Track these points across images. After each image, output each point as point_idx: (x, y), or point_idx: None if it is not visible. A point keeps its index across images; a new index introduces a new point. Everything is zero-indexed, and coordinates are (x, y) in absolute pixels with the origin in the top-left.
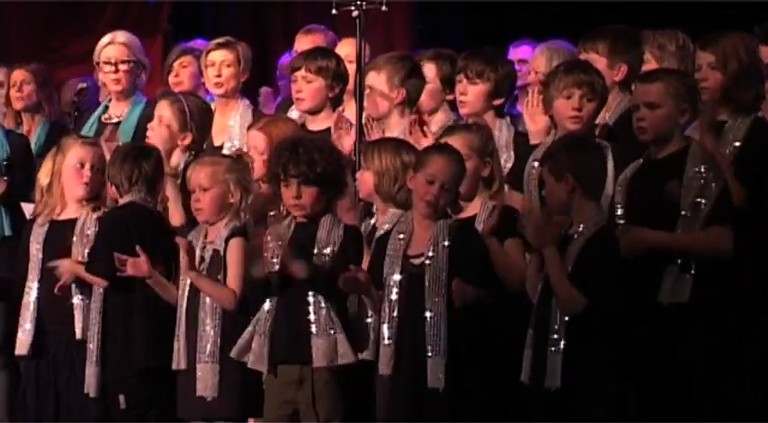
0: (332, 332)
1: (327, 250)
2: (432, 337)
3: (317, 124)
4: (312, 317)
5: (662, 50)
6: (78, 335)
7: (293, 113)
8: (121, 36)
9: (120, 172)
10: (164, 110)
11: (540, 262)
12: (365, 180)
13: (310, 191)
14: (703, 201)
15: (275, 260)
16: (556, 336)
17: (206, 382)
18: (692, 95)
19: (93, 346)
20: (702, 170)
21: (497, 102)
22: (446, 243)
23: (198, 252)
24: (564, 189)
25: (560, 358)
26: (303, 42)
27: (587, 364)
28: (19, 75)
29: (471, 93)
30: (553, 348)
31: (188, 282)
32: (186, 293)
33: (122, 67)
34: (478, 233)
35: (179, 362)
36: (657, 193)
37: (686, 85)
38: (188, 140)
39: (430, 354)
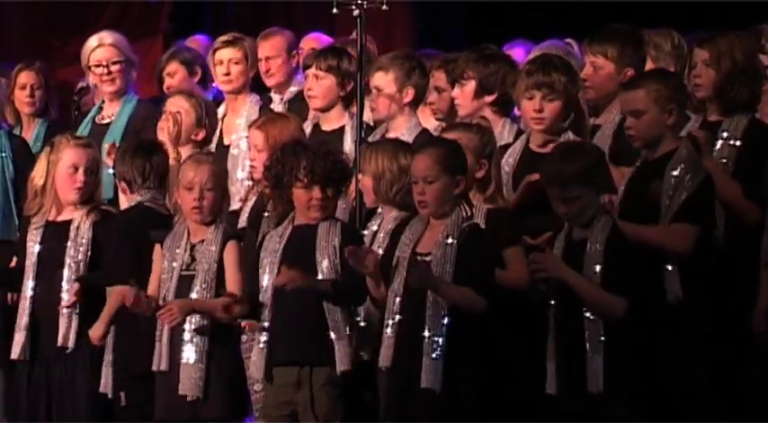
0: (350, 335)
1: (325, 245)
2: (429, 337)
3: (329, 124)
4: (330, 322)
5: (658, 50)
6: (60, 342)
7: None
8: (108, 37)
9: (131, 168)
10: (181, 103)
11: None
12: (366, 186)
13: (332, 192)
14: (674, 198)
15: (276, 261)
16: (592, 341)
17: (189, 381)
18: (676, 94)
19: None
20: (679, 171)
21: (489, 98)
22: (454, 243)
23: (183, 253)
24: (594, 198)
25: (601, 361)
26: (263, 48)
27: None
28: (28, 77)
29: (459, 95)
30: (592, 353)
31: (172, 284)
32: (171, 296)
33: (114, 67)
34: (488, 239)
35: (160, 363)
36: (644, 193)
37: (668, 86)
38: (201, 136)
39: (425, 353)
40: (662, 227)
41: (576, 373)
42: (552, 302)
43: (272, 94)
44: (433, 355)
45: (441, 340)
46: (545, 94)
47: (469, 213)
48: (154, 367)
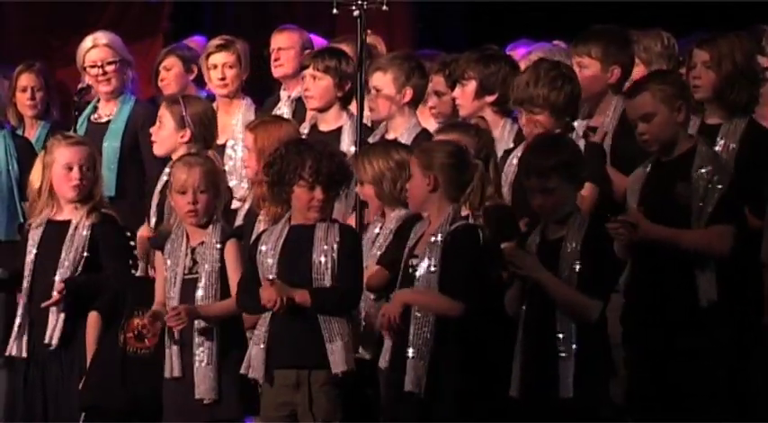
0: (345, 337)
1: (325, 247)
2: (416, 340)
3: (327, 124)
4: (323, 324)
5: (648, 52)
6: (46, 340)
7: None
8: (103, 37)
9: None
10: (163, 111)
11: (523, 287)
12: (368, 195)
13: (332, 194)
14: (708, 200)
15: (271, 262)
16: (564, 346)
17: (205, 385)
18: (681, 91)
19: None
20: (708, 170)
21: (490, 98)
22: (439, 245)
23: (184, 257)
24: (571, 192)
25: (573, 366)
26: (277, 39)
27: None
28: (29, 79)
29: (460, 95)
30: (564, 356)
31: (176, 289)
32: (176, 300)
33: (109, 67)
34: (474, 240)
35: (173, 370)
36: (668, 195)
37: (671, 84)
38: (186, 137)
39: (411, 356)
40: (702, 230)
41: (547, 377)
42: (524, 306)
43: (282, 92)
44: (417, 358)
45: (425, 343)
46: (528, 110)
47: (450, 214)
48: (166, 374)
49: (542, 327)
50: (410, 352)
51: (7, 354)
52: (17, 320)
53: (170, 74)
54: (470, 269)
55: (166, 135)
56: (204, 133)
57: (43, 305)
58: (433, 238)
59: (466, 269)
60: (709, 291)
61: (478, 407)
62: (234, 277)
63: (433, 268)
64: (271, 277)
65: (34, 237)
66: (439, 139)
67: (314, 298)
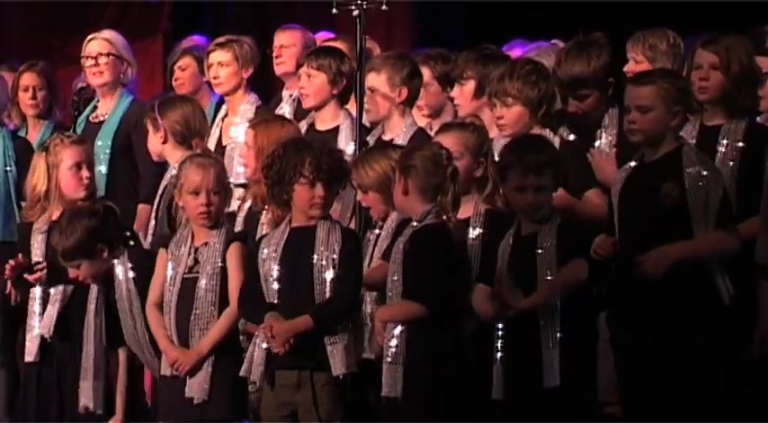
0: (345, 339)
1: (327, 248)
2: (391, 344)
3: (323, 124)
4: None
5: (653, 50)
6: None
7: None
8: (105, 33)
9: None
10: (145, 121)
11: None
12: (372, 202)
13: (333, 191)
14: (710, 202)
15: (273, 265)
16: (548, 336)
17: (197, 384)
18: (684, 97)
19: None
20: (703, 171)
21: None
22: (400, 246)
23: (186, 256)
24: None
25: (558, 354)
26: (279, 37)
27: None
28: (31, 79)
29: (460, 94)
30: (547, 348)
31: (176, 288)
32: (175, 299)
33: (102, 59)
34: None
35: (167, 367)
36: (653, 195)
37: (678, 87)
38: (161, 137)
39: (387, 360)
40: (713, 234)
41: (531, 371)
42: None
43: (284, 92)
44: (392, 362)
45: (399, 347)
46: (502, 102)
47: (419, 216)
48: (163, 372)
49: (523, 323)
50: (387, 356)
51: (29, 360)
52: (33, 325)
53: (185, 74)
54: (433, 270)
55: (150, 142)
56: (183, 132)
57: (31, 278)
58: (401, 241)
59: (427, 271)
60: (729, 288)
61: (458, 409)
62: (235, 279)
63: (396, 269)
64: (267, 321)
65: (39, 240)
66: (421, 143)
67: (317, 320)
